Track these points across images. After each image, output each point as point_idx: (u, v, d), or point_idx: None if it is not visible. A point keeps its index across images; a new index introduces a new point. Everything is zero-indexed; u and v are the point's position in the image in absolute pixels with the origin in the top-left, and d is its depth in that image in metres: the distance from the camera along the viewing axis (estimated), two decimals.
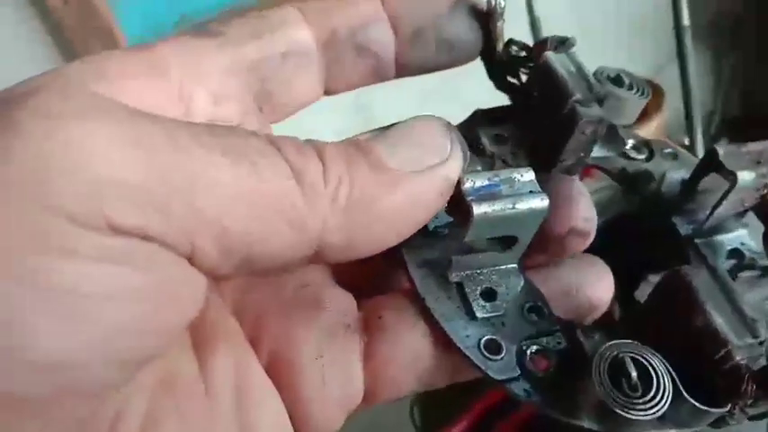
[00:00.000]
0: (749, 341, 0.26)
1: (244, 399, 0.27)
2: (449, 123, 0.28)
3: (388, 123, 0.28)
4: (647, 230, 0.36)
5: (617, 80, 0.34)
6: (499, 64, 0.36)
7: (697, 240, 0.33)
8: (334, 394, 0.29)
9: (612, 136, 0.37)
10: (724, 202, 0.32)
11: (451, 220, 0.31)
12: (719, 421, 0.27)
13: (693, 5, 1.10)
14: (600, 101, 0.33)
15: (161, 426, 0.24)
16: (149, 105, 0.24)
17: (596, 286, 0.33)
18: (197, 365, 0.26)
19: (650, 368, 0.26)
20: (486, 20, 0.34)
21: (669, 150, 0.37)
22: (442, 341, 0.30)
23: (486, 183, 0.28)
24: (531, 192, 0.28)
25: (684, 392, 0.25)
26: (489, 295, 0.30)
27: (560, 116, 0.32)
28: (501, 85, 0.37)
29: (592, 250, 0.33)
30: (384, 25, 0.32)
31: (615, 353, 0.26)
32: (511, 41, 0.36)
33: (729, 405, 0.26)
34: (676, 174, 0.35)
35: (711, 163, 0.32)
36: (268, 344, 0.29)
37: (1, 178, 0.19)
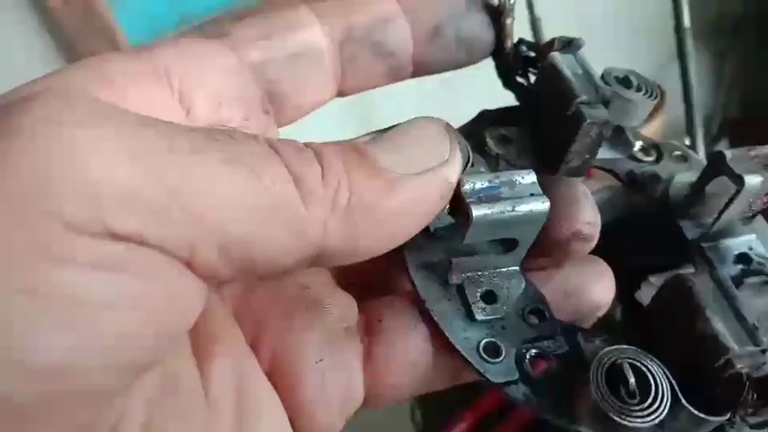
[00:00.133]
0: (751, 349, 0.25)
1: (244, 403, 0.27)
2: (448, 125, 0.28)
3: (385, 121, 0.28)
4: (652, 232, 0.36)
5: (625, 81, 0.34)
6: (508, 63, 0.36)
7: (703, 244, 0.33)
8: (334, 398, 0.29)
9: (620, 138, 0.36)
10: (731, 207, 0.31)
11: (453, 221, 0.31)
12: (719, 430, 0.26)
13: (694, 6, 1.10)
14: (606, 102, 0.32)
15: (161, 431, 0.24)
16: (150, 109, 0.24)
17: (597, 287, 0.32)
18: (197, 370, 0.26)
19: (649, 375, 0.25)
20: (498, 16, 0.34)
21: (678, 153, 0.37)
22: (443, 344, 0.29)
23: (487, 185, 0.28)
24: (531, 194, 0.28)
25: (683, 400, 0.25)
26: (490, 297, 0.30)
27: (566, 117, 0.32)
28: (509, 84, 0.37)
29: (593, 250, 0.32)
30: (402, 23, 0.32)
31: (614, 358, 0.26)
32: (521, 41, 0.36)
33: (729, 413, 0.25)
34: (684, 177, 0.35)
35: (718, 167, 0.31)
36: (269, 347, 0.29)
37: None
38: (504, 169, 0.34)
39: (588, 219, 0.31)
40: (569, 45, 0.33)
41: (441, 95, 1.02)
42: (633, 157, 0.37)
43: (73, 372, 0.20)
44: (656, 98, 0.34)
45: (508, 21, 0.34)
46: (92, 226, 0.20)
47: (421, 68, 0.34)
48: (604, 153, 0.36)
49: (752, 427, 0.26)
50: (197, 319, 0.24)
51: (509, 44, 0.35)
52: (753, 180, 0.30)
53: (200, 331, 0.27)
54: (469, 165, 0.30)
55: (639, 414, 0.25)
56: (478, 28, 0.33)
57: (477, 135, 0.35)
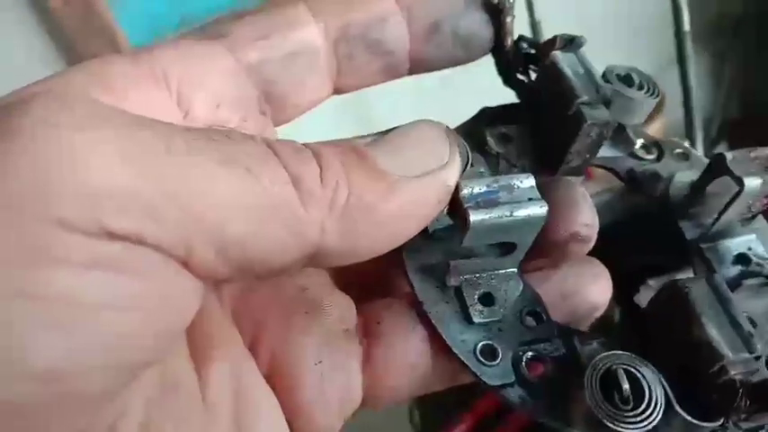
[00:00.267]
0: (745, 356, 0.26)
1: (242, 405, 0.27)
2: (448, 128, 0.28)
3: (382, 119, 0.28)
4: (651, 232, 0.36)
5: (627, 79, 0.33)
6: (508, 60, 0.36)
7: (702, 245, 0.33)
8: (333, 399, 0.29)
9: (621, 136, 0.36)
10: (731, 208, 0.31)
11: (452, 222, 0.31)
12: None
13: (694, 7, 1.08)
14: (607, 102, 0.32)
15: None
16: (149, 112, 0.24)
17: (594, 288, 0.32)
18: (195, 372, 0.26)
19: (643, 381, 0.26)
20: (498, 14, 0.34)
21: (680, 151, 0.37)
22: (441, 346, 0.30)
23: (485, 189, 0.28)
24: (529, 199, 0.28)
25: (677, 406, 0.25)
26: (487, 300, 0.30)
27: (566, 117, 0.32)
28: (509, 81, 0.37)
29: (591, 252, 0.32)
30: (399, 20, 0.32)
31: (609, 364, 0.26)
32: (521, 38, 0.36)
33: (722, 419, 0.25)
34: (685, 176, 0.35)
35: (718, 168, 0.31)
36: (267, 349, 0.29)
37: None
38: (504, 169, 0.34)
39: (586, 220, 0.31)
40: (571, 43, 0.33)
41: (440, 93, 1.02)
42: (634, 155, 0.37)
43: (72, 372, 0.20)
44: (657, 96, 0.34)
45: (508, 19, 0.34)
46: (89, 226, 0.20)
47: (418, 66, 0.34)
48: (605, 151, 0.36)
49: None
50: (195, 320, 0.25)
51: (509, 42, 0.35)
52: (752, 182, 0.30)
53: (198, 333, 0.27)
54: (469, 165, 0.30)
55: (633, 420, 0.25)
56: (477, 25, 0.33)
57: (478, 133, 0.35)
